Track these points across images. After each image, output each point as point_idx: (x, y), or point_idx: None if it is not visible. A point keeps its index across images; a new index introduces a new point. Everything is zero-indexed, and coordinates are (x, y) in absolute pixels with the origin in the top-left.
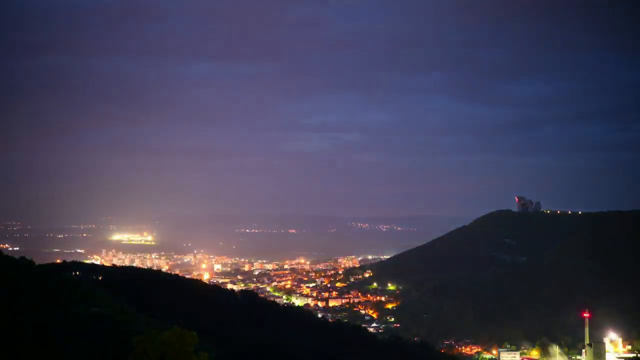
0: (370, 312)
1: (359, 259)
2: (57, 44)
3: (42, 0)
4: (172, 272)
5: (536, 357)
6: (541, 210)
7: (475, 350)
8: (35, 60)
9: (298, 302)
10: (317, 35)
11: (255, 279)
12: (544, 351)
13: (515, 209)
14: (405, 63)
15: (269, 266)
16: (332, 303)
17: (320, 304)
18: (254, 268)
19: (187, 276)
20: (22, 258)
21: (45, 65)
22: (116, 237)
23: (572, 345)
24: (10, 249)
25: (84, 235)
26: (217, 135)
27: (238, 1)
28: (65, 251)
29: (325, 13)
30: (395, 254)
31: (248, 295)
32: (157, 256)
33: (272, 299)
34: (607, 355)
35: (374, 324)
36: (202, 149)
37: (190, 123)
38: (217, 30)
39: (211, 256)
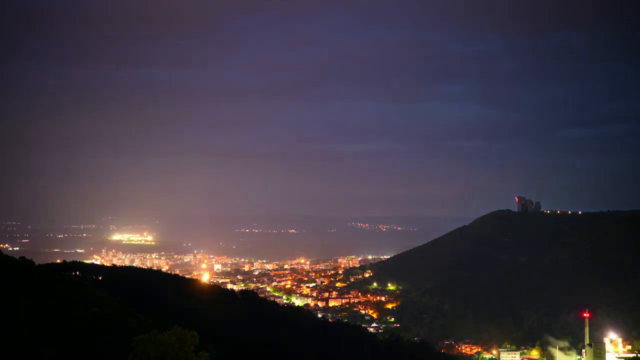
0: (370, 312)
1: (359, 259)
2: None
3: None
4: (172, 272)
5: (536, 357)
6: (541, 210)
7: (475, 350)
8: (34, 63)
9: (298, 302)
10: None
11: (255, 279)
12: (546, 353)
13: (515, 209)
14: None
15: (269, 266)
16: (332, 303)
17: (320, 304)
18: (254, 268)
19: (187, 276)
20: (22, 258)
21: (48, 68)
22: (116, 237)
23: (573, 345)
24: (10, 249)
25: (84, 235)
26: (217, 137)
27: (266, 20)
28: (65, 251)
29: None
30: (395, 254)
31: (248, 295)
32: (157, 256)
33: (272, 299)
34: (607, 355)
35: (374, 324)
36: (203, 150)
37: (192, 125)
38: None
39: (211, 256)
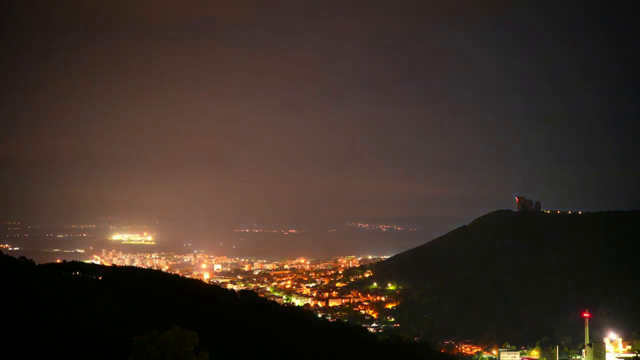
0: (370, 312)
1: (359, 259)
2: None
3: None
4: (172, 272)
5: (536, 357)
6: (541, 210)
7: (475, 350)
8: (36, 60)
9: (298, 302)
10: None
11: (255, 279)
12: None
13: (515, 209)
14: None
15: (269, 266)
16: (332, 303)
17: (320, 304)
18: (254, 268)
19: (187, 276)
20: (22, 258)
21: (52, 64)
22: (116, 237)
23: (573, 345)
24: (10, 249)
25: (84, 235)
26: (216, 136)
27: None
28: (65, 251)
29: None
30: (395, 254)
31: (248, 295)
32: (157, 256)
33: (272, 299)
34: (607, 355)
35: (374, 324)
36: (203, 148)
37: (192, 124)
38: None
39: (211, 256)
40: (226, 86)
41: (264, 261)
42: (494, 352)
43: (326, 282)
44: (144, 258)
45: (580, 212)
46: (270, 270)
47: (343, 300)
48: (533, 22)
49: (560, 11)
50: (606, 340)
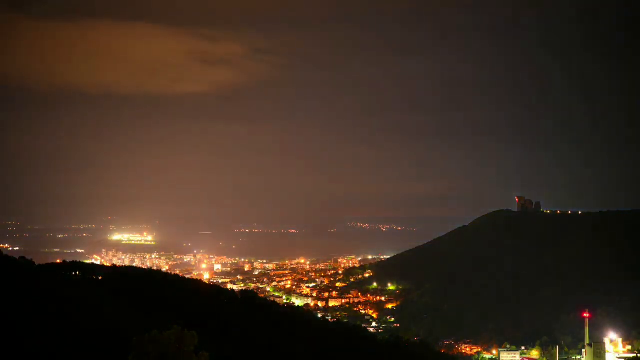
0: (370, 312)
1: (359, 259)
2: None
3: None
4: (172, 272)
5: (536, 357)
6: (541, 210)
7: (475, 350)
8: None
9: (298, 302)
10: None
11: (255, 279)
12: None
13: (515, 209)
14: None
15: (269, 266)
16: (332, 303)
17: (320, 304)
18: (254, 268)
19: (187, 276)
20: (22, 258)
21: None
22: (116, 237)
23: (573, 345)
24: (10, 249)
25: (84, 235)
26: (216, 135)
27: None
28: (65, 251)
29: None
30: (395, 254)
31: (248, 295)
32: (157, 256)
33: (272, 299)
34: (607, 355)
35: (374, 324)
36: (202, 148)
37: (191, 122)
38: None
39: (211, 256)
40: (228, 89)
41: (264, 261)
42: (494, 352)
43: (326, 282)
44: (144, 258)
45: (580, 212)
46: (270, 270)
47: (343, 300)
48: (528, 24)
49: (554, 18)
50: (606, 340)
